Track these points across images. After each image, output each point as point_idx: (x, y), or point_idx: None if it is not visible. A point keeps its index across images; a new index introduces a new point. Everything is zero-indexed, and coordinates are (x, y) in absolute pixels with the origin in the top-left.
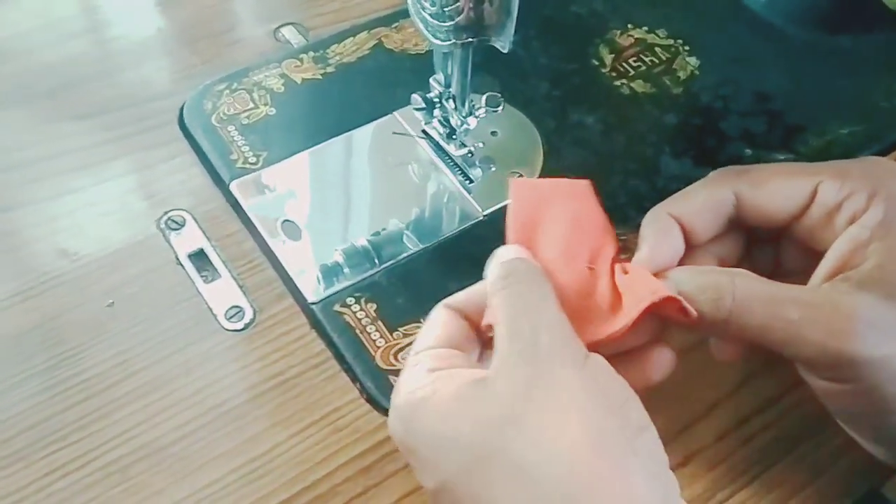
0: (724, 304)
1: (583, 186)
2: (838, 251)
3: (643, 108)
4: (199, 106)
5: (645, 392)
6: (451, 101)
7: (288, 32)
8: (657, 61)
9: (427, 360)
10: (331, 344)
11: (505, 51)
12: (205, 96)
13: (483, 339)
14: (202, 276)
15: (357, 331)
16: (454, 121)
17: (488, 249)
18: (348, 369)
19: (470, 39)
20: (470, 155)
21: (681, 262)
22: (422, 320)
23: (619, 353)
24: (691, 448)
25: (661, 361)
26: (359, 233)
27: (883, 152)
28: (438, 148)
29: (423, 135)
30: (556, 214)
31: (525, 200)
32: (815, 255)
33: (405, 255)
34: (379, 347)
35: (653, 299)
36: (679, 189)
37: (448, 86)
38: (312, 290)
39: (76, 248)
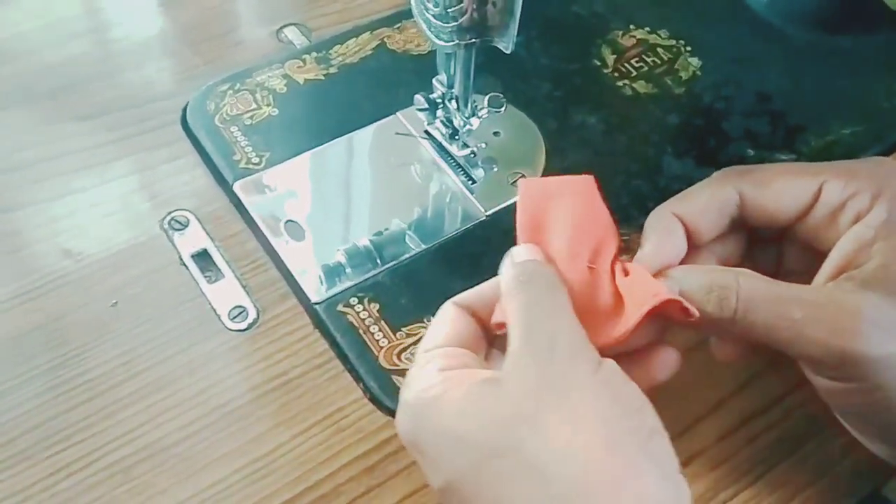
0: (730, 303)
1: (586, 183)
2: (842, 250)
3: (645, 109)
4: (202, 106)
5: (649, 392)
6: (453, 101)
7: (291, 33)
8: (659, 62)
9: (437, 359)
10: (334, 344)
11: (508, 52)
12: (208, 97)
13: (490, 337)
14: (206, 277)
15: (360, 331)
16: (457, 121)
17: (491, 250)
18: (351, 369)
19: (473, 40)
20: (472, 155)
21: (683, 262)
22: (425, 320)
23: (624, 353)
24: (694, 448)
25: (667, 361)
26: (361, 233)
27: (885, 152)
28: (441, 148)
29: (425, 135)
30: (560, 213)
31: (532, 199)
32: (818, 255)
33: (408, 255)
34: (382, 347)
35: (654, 303)
36: (681, 189)
37: (451, 86)
38: (316, 290)
39: (80, 249)
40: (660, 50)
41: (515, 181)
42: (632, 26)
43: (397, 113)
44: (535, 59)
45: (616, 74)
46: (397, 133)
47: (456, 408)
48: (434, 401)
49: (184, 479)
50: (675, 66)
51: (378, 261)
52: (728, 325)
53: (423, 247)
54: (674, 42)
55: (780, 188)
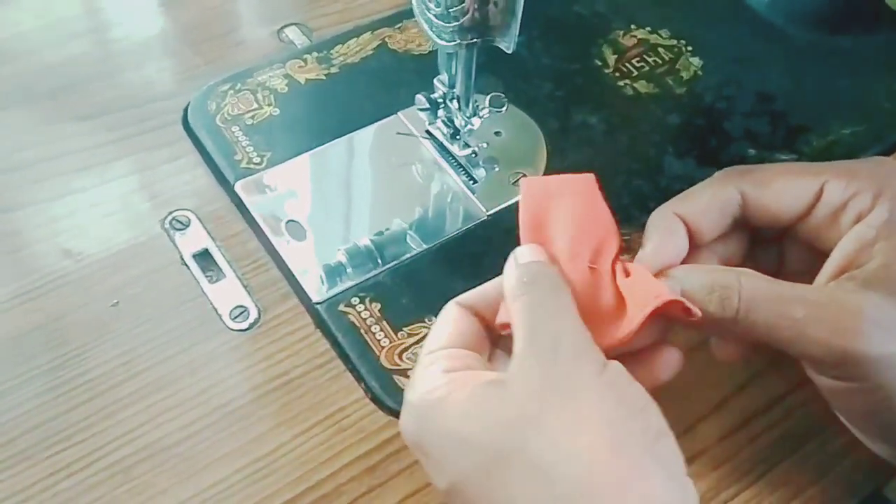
0: (732, 303)
1: (586, 181)
2: (844, 250)
3: (646, 109)
4: (203, 106)
5: (652, 392)
6: (455, 101)
7: (292, 33)
8: (660, 62)
9: (441, 361)
10: (335, 344)
11: (509, 51)
12: (209, 97)
13: (493, 337)
14: (207, 276)
15: (362, 330)
16: (458, 121)
17: (492, 249)
18: (353, 369)
19: (474, 40)
20: (474, 155)
21: (684, 262)
22: (426, 320)
23: (628, 353)
24: (696, 447)
25: (669, 361)
26: (362, 233)
27: (885, 152)
28: (442, 148)
29: (426, 135)
30: (561, 213)
31: (534, 198)
32: (820, 255)
33: (409, 255)
34: (383, 347)
35: (656, 304)
36: (683, 189)
37: (452, 86)
38: (317, 290)
39: (80, 249)
40: (661, 50)
41: (517, 181)
42: (633, 26)
43: (398, 113)
44: (537, 59)
45: (617, 74)
46: (398, 133)
47: (461, 409)
48: (439, 402)
49: (185, 479)
50: (677, 66)
51: (379, 261)
52: (730, 325)
53: (425, 247)
54: (675, 42)
55: (781, 188)
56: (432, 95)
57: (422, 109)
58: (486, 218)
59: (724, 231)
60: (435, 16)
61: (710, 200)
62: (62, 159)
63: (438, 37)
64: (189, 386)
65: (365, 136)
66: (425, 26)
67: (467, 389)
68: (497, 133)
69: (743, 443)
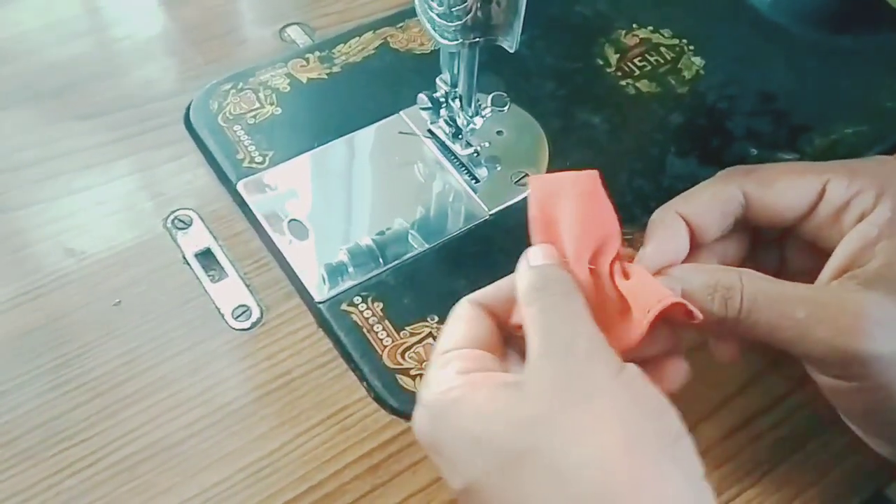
0: (734, 303)
1: (589, 179)
2: (846, 249)
3: (648, 108)
4: (205, 106)
5: None
6: (457, 100)
7: (293, 32)
8: (662, 61)
9: (456, 361)
10: (338, 343)
11: (512, 50)
12: (211, 96)
13: (505, 336)
14: (209, 276)
15: (364, 330)
16: (460, 120)
17: (494, 249)
18: (355, 368)
19: (477, 39)
20: (476, 154)
21: (685, 262)
22: (428, 319)
23: (639, 362)
24: (698, 447)
25: (677, 372)
26: (364, 232)
27: (888, 151)
28: (444, 147)
29: (428, 134)
30: (565, 213)
31: (542, 196)
32: (822, 255)
33: (411, 254)
34: (386, 346)
35: (660, 307)
36: (685, 188)
37: (454, 85)
38: (319, 289)
39: (83, 248)
40: (663, 49)
41: (519, 180)
42: (635, 25)
43: (400, 112)
44: (539, 59)
45: (619, 74)
46: (400, 132)
47: (477, 410)
48: (454, 403)
49: (188, 478)
50: (679, 66)
51: (381, 260)
52: (731, 326)
53: (427, 246)
54: (677, 41)
55: (783, 187)
56: (434, 95)
57: (424, 109)
58: (488, 217)
59: (725, 231)
60: (437, 15)
61: (712, 200)
62: (64, 159)
63: (441, 36)
64: (191, 385)
65: (367, 136)
66: (428, 25)
67: (483, 390)
68: (499, 132)
69: (744, 443)
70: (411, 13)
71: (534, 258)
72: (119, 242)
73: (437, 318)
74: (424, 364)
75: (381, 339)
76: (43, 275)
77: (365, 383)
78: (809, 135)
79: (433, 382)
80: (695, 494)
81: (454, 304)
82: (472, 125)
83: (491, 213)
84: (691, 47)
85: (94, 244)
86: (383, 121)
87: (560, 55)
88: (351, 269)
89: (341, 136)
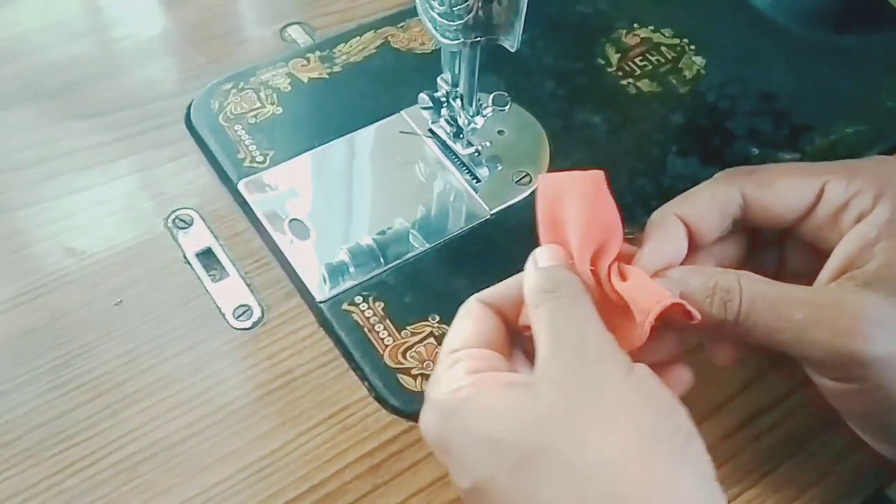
0: (733, 305)
1: (594, 179)
2: (845, 250)
3: (649, 108)
4: (205, 105)
5: None
6: (458, 100)
7: (294, 32)
8: (663, 60)
9: (465, 360)
10: (339, 342)
11: (513, 50)
12: (211, 96)
13: (513, 335)
14: (210, 275)
15: (365, 329)
16: (461, 120)
17: (495, 248)
18: (356, 368)
19: (478, 38)
20: (477, 154)
21: (683, 263)
22: (430, 319)
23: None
24: None
25: (680, 379)
26: (365, 232)
27: (888, 151)
28: (445, 147)
29: (429, 134)
30: (570, 213)
31: (549, 196)
32: (821, 256)
33: (412, 254)
34: (387, 346)
35: (660, 308)
36: (686, 188)
37: (455, 85)
38: (320, 288)
39: (83, 248)
40: (664, 49)
41: (520, 180)
42: (635, 25)
43: (401, 111)
44: (539, 58)
45: (620, 73)
46: (401, 132)
47: (487, 409)
48: (463, 402)
49: (189, 478)
50: (679, 65)
51: (382, 260)
52: (730, 328)
53: (428, 246)
54: (678, 41)
55: (782, 188)
56: (435, 94)
57: (425, 108)
58: (489, 217)
59: (724, 232)
60: (438, 14)
61: (711, 201)
62: (65, 158)
63: (442, 35)
64: (192, 385)
65: (368, 135)
66: (429, 25)
67: (493, 390)
68: (500, 132)
69: (745, 442)
70: (412, 12)
71: (541, 259)
72: (119, 242)
73: (438, 318)
74: (426, 363)
75: (383, 339)
76: (43, 275)
77: (366, 383)
78: (810, 134)
79: (442, 381)
80: (706, 495)
81: (455, 303)
82: (473, 125)
83: (492, 212)
84: (692, 47)
85: (95, 244)
86: (384, 120)
87: (561, 55)
88: (352, 269)
89: (342, 135)
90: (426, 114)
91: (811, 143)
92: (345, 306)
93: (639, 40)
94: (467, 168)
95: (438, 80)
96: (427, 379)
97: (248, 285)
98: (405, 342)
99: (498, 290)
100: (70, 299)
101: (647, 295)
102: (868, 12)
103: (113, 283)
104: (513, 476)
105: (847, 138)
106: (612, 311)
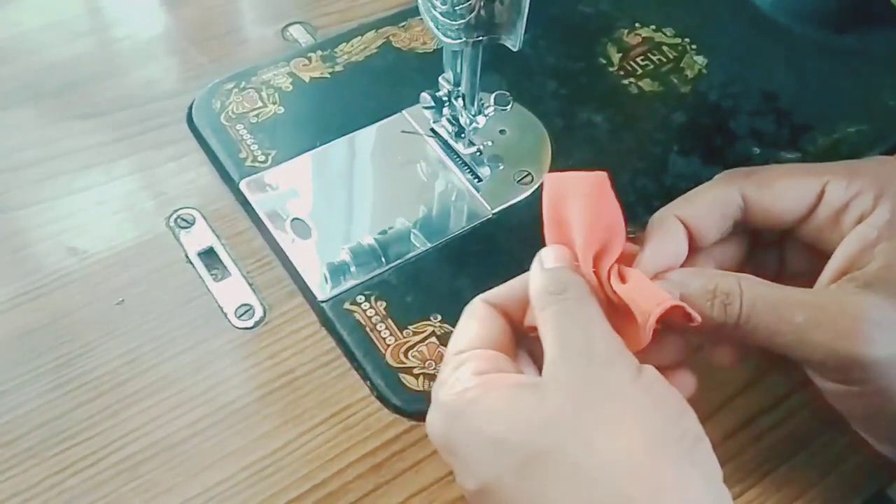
0: (734, 308)
1: (598, 181)
2: (845, 252)
3: (651, 107)
4: (207, 105)
5: None
6: (459, 99)
7: (296, 31)
8: (665, 60)
9: (471, 362)
10: (341, 342)
11: (515, 49)
12: (213, 95)
13: (518, 336)
14: (212, 275)
15: (367, 329)
16: (463, 119)
17: (497, 248)
18: (358, 367)
19: (480, 38)
20: (478, 153)
21: (683, 265)
22: (432, 318)
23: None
24: None
25: (685, 384)
26: (367, 231)
27: (890, 151)
28: (447, 146)
29: (431, 133)
30: (574, 213)
31: (555, 196)
32: (821, 257)
33: (413, 253)
34: (389, 345)
35: (660, 310)
36: (688, 188)
37: (457, 84)
38: (322, 288)
39: (85, 247)
40: (665, 48)
41: (521, 179)
42: (637, 24)
43: (403, 111)
44: (541, 58)
45: (622, 73)
46: (403, 131)
47: (494, 411)
48: (470, 404)
49: (191, 477)
50: (681, 65)
51: (383, 259)
52: (730, 331)
53: (429, 245)
54: (679, 40)
55: (783, 188)
56: (437, 94)
57: (426, 108)
58: (490, 216)
59: (724, 234)
60: (441, 13)
61: (712, 202)
62: (66, 158)
63: (444, 35)
64: (194, 384)
65: (369, 135)
66: (431, 24)
67: (500, 391)
68: (502, 131)
69: (746, 442)
70: (414, 12)
71: (547, 260)
72: (121, 242)
73: (440, 317)
74: (427, 363)
75: (384, 338)
76: (44, 274)
77: (368, 382)
78: (812, 134)
79: (448, 383)
80: (714, 498)
81: (457, 302)
82: (474, 124)
83: (494, 212)
84: (694, 46)
85: (96, 244)
86: (386, 120)
87: (563, 54)
88: (353, 269)
89: (344, 135)
90: (428, 113)
91: (813, 143)
92: (346, 306)
93: (640, 40)
94: (469, 167)
95: (440, 79)
96: (429, 378)
97: (250, 285)
98: (407, 341)
99: (503, 291)
100: (71, 299)
101: (647, 297)
102: (869, 12)
103: (114, 283)
104: (519, 477)
105: (849, 137)
106: (617, 312)
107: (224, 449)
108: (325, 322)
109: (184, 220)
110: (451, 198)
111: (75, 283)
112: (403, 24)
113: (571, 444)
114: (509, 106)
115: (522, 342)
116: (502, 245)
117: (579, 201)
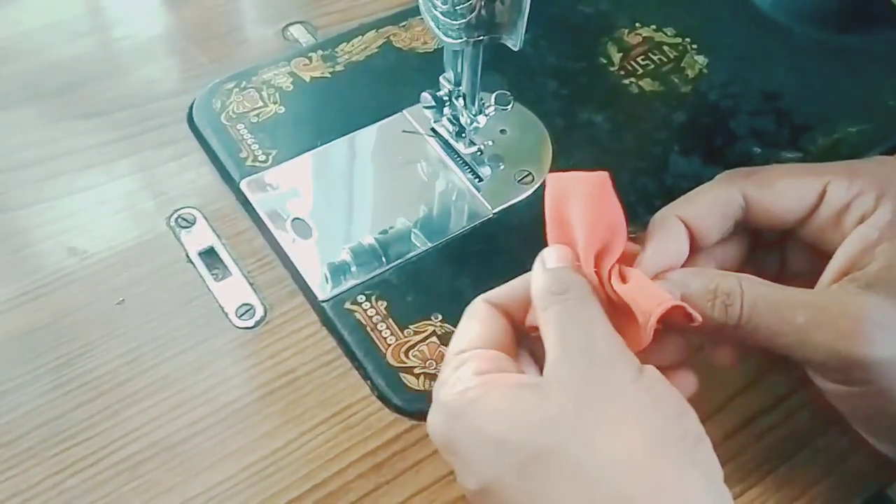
0: (735, 309)
1: (599, 180)
2: (847, 252)
3: (651, 107)
4: (208, 104)
5: None
6: (460, 99)
7: (296, 31)
8: (665, 60)
9: (473, 362)
10: (342, 341)
11: (516, 49)
12: (214, 95)
13: (519, 336)
14: (212, 274)
15: (368, 328)
16: (464, 119)
17: (498, 247)
18: (359, 367)
19: (481, 38)
20: (479, 153)
21: (684, 265)
22: (432, 318)
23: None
24: None
25: (686, 384)
26: (367, 231)
27: (891, 151)
28: (447, 146)
29: (432, 133)
30: (575, 213)
31: (557, 196)
32: (823, 257)
33: (414, 253)
34: (390, 345)
35: (661, 311)
36: (688, 187)
37: (458, 84)
38: (323, 287)
39: (85, 247)
40: (666, 48)
41: (522, 179)
42: (638, 24)
43: (404, 111)
44: (542, 57)
45: (622, 72)
46: (404, 131)
47: (495, 411)
48: (471, 403)
49: (191, 477)
50: (682, 65)
51: (384, 259)
52: (731, 331)
53: (430, 245)
54: (680, 40)
55: (784, 189)
56: (438, 93)
57: (427, 107)
58: (491, 216)
59: (725, 234)
60: (441, 13)
61: (713, 202)
62: (66, 158)
63: (445, 34)
64: (195, 384)
65: (370, 135)
66: (431, 24)
67: (501, 391)
68: (502, 131)
69: (747, 442)
70: (414, 12)
71: (549, 260)
72: (121, 242)
73: (440, 317)
74: (428, 362)
75: (385, 338)
76: (45, 274)
77: (369, 381)
78: (812, 133)
79: (449, 382)
80: (714, 498)
81: (458, 302)
82: (475, 124)
83: (494, 211)
84: (694, 46)
85: (97, 243)
86: (386, 119)
87: (563, 54)
88: (354, 268)
89: (344, 134)
90: (428, 113)
91: (813, 143)
92: (347, 305)
93: (641, 39)
94: (469, 167)
95: (441, 79)
96: (430, 378)
97: (251, 284)
98: (408, 341)
99: (504, 291)
100: (72, 299)
101: (647, 297)
102: (869, 12)
103: (115, 283)
104: (520, 477)
105: (849, 137)
106: (618, 312)
107: (224, 449)
108: (326, 322)
109: (184, 219)
110: (451, 197)
111: (76, 282)
112: (404, 23)
113: (573, 444)
114: (510, 105)
115: (524, 342)
116: (503, 245)
117: (580, 201)
